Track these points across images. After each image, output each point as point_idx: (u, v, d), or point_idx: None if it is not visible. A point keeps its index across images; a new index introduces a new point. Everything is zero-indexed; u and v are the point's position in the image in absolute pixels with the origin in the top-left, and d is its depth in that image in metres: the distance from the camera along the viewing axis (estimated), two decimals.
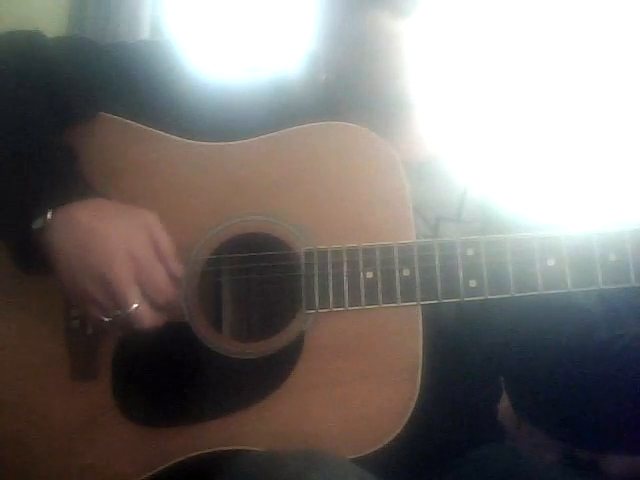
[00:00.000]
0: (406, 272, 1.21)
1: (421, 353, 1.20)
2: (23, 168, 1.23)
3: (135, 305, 1.18)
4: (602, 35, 2.24)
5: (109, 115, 1.33)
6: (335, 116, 1.29)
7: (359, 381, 1.21)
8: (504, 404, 1.46)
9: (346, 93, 1.36)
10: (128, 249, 1.18)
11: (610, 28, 2.23)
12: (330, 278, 1.22)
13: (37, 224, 1.20)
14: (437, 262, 1.20)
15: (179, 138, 1.31)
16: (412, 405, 1.19)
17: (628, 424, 1.26)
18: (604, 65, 2.25)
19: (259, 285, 1.34)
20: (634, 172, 2.09)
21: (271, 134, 1.28)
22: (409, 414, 1.19)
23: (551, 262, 1.17)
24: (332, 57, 1.35)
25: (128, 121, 1.32)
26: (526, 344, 1.32)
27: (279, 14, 2.36)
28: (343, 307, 1.22)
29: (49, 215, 1.19)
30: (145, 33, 2.52)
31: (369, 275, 1.21)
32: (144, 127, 1.32)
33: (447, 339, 1.28)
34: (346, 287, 1.22)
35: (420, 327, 1.21)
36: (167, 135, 1.31)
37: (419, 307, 1.21)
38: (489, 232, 1.28)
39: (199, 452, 1.25)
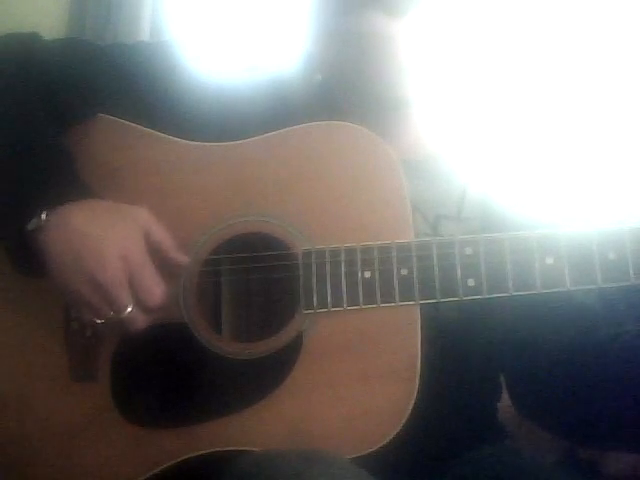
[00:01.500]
0: (404, 271, 1.20)
1: (420, 352, 1.20)
2: (19, 169, 1.23)
3: (129, 309, 1.18)
4: (602, 35, 2.23)
5: (108, 116, 1.32)
6: (332, 116, 1.28)
7: (358, 381, 1.21)
8: (504, 404, 1.45)
9: (343, 93, 1.36)
10: (121, 252, 1.18)
11: (610, 28, 2.23)
12: (328, 278, 1.22)
13: (32, 225, 1.20)
14: (435, 261, 1.20)
15: (178, 139, 1.31)
16: (411, 405, 1.19)
17: (628, 421, 1.26)
18: (604, 64, 2.25)
19: (258, 285, 1.34)
20: (633, 171, 2.08)
21: (269, 134, 1.28)
22: (408, 414, 1.19)
23: (550, 261, 1.17)
24: (328, 57, 1.35)
25: (127, 122, 1.32)
26: (526, 342, 1.31)
27: (275, 15, 2.36)
28: (341, 307, 1.22)
29: (44, 216, 1.19)
30: (145, 34, 2.52)
31: (367, 275, 1.21)
32: (143, 128, 1.32)
33: (446, 338, 1.28)
34: (344, 287, 1.22)
35: (419, 326, 1.20)
36: (166, 136, 1.31)
37: (417, 306, 1.20)
38: (489, 230, 1.29)
39: (198, 453, 1.25)
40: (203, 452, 1.25)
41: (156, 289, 1.20)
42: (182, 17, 2.53)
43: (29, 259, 1.22)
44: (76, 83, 1.34)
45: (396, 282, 1.20)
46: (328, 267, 1.22)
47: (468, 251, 1.19)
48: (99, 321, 1.21)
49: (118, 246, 1.18)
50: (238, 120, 1.31)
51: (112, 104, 1.33)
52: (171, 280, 1.24)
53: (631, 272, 1.15)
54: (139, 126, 1.32)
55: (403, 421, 1.19)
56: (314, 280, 1.22)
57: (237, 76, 1.41)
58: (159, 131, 1.31)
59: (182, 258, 1.24)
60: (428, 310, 1.22)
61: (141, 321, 1.20)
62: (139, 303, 1.19)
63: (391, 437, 1.19)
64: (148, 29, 2.52)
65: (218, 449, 1.24)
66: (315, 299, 1.22)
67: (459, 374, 1.32)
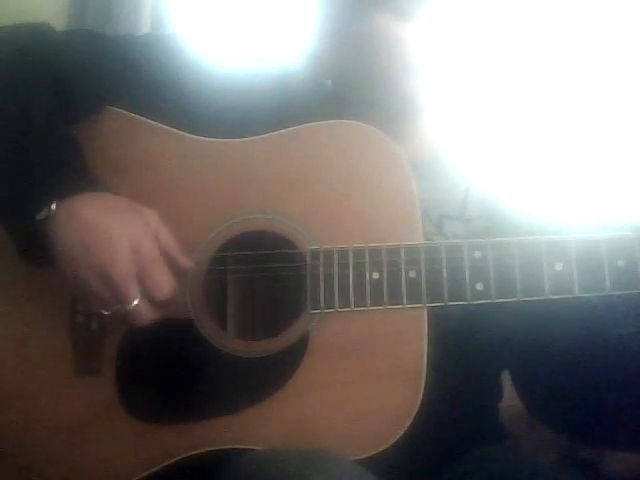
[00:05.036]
0: (412, 274, 1.20)
1: (426, 355, 1.20)
2: (29, 159, 1.23)
3: (135, 302, 1.18)
4: (603, 35, 2.24)
5: (116, 109, 1.32)
6: (341, 117, 1.28)
7: (363, 382, 1.21)
8: (505, 404, 1.46)
9: (351, 96, 1.36)
10: (131, 244, 1.17)
11: (610, 28, 2.23)
12: (336, 278, 1.22)
13: (41, 215, 1.19)
14: (444, 264, 1.20)
15: (186, 134, 1.30)
16: (416, 407, 1.19)
17: (632, 420, 1.26)
18: (608, 64, 2.25)
19: (264, 284, 1.34)
20: (635, 170, 2.09)
21: (279, 132, 1.28)
22: (413, 416, 1.19)
23: (559, 267, 1.17)
24: (337, 60, 1.34)
25: (135, 115, 1.32)
26: (531, 340, 1.32)
27: (283, 17, 2.36)
28: (348, 307, 1.22)
29: (53, 206, 1.19)
30: (146, 28, 2.51)
31: (375, 276, 1.21)
32: (151, 122, 1.31)
33: (450, 339, 1.28)
34: (352, 287, 1.22)
35: (425, 329, 1.21)
36: (174, 130, 1.31)
37: (425, 309, 1.21)
38: (493, 229, 1.30)
39: (201, 450, 1.25)
40: (205, 450, 1.25)
41: (165, 284, 1.20)
42: (184, 14, 2.53)
43: (37, 249, 1.22)
44: (85, 75, 1.33)
45: (404, 284, 1.20)
46: (336, 267, 1.22)
47: (477, 255, 1.19)
48: (105, 312, 1.20)
49: (128, 238, 1.17)
50: (247, 116, 1.30)
51: (121, 96, 1.33)
52: (177, 277, 1.23)
53: None
54: (147, 120, 1.31)
55: (408, 423, 1.19)
56: (321, 280, 1.22)
57: (247, 72, 1.40)
58: (167, 125, 1.31)
59: (188, 263, 1.24)
60: (433, 310, 1.22)
61: (147, 315, 1.20)
62: (147, 297, 1.19)
63: (397, 439, 1.19)
64: (149, 24, 2.52)
65: (221, 447, 1.24)
66: (322, 299, 1.22)
67: (462, 374, 1.32)
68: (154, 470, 1.26)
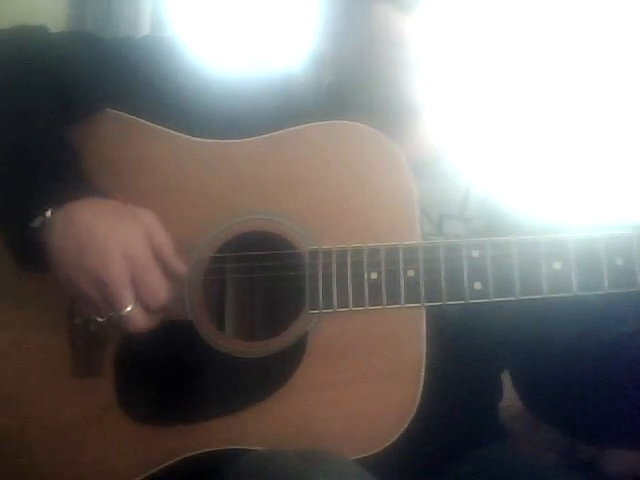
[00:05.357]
0: (411, 273, 1.20)
1: (425, 355, 1.20)
2: (25, 165, 1.23)
3: (128, 308, 1.17)
4: (603, 35, 2.24)
5: (114, 111, 1.32)
6: (340, 118, 1.28)
7: (362, 382, 1.21)
8: (504, 404, 1.46)
9: (350, 94, 1.36)
10: (125, 251, 1.17)
11: (611, 28, 2.24)
12: (334, 278, 1.22)
13: (36, 222, 1.19)
14: (442, 264, 1.19)
15: (184, 135, 1.30)
16: (415, 407, 1.19)
17: (632, 419, 1.26)
18: (608, 64, 2.25)
19: (263, 284, 1.34)
20: (635, 170, 2.09)
21: (277, 132, 1.28)
22: (412, 416, 1.19)
23: (557, 265, 1.16)
24: (337, 57, 1.34)
25: (133, 117, 1.32)
26: (530, 339, 1.31)
27: (282, 14, 2.36)
28: (347, 307, 1.21)
29: (49, 214, 1.19)
30: (145, 30, 2.51)
31: (373, 276, 1.21)
32: (149, 124, 1.32)
33: (449, 338, 1.27)
34: (350, 287, 1.21)
35: (424, 329, 1.20)
36: (173, 132, 1.31)
37: (423, 308, 1.20)
38: (493, 229, 1.29)
39: (200, 451, 1.25)
40: (204, 451, 1.24)
41: (160, 290, 1.19)
42: (183, 14, 2.53)
43: (33, 256, 1.22)
44: (84, 76, 1.33)
45: (402, 284, 1.20)
46: (334, 267, 1.22)
47: (475, 254, 1.19)
48: (100, 319, 1.20)
49: (122, 245, 1.17)
50: (247, 118, 1.30)
51: (119, 98, 1.33)
52: (172, 280, 1.23)
53: (639, 279, 1.15)
54: (146, 122, 1.32)
55: (407, 423, 1.18)
56: (320, 280, 1.22)
57: (246, 74, 1.40)
58: (166, 127, 1.31)
59: (181, 266, 1.23)
60: (432, 310, 1.21)
61: (141, 322, 1.19)
62: (141, 303, 1.19)
63: (395, 439, 1.19)
64: (148, 26, 2.52)
65: (220, 448, 1.24)
66: (321, 299, 1.22)
67: (461, 374, 1.32)
68: (154, 471, 1.26)
